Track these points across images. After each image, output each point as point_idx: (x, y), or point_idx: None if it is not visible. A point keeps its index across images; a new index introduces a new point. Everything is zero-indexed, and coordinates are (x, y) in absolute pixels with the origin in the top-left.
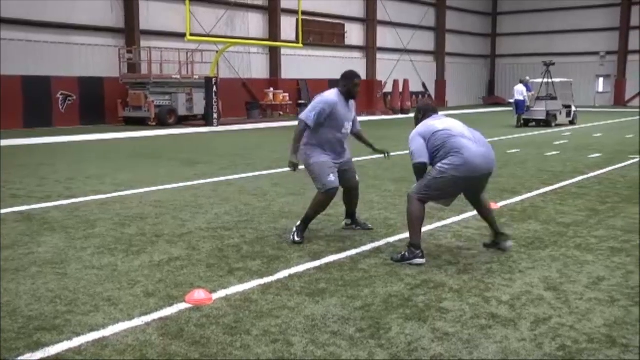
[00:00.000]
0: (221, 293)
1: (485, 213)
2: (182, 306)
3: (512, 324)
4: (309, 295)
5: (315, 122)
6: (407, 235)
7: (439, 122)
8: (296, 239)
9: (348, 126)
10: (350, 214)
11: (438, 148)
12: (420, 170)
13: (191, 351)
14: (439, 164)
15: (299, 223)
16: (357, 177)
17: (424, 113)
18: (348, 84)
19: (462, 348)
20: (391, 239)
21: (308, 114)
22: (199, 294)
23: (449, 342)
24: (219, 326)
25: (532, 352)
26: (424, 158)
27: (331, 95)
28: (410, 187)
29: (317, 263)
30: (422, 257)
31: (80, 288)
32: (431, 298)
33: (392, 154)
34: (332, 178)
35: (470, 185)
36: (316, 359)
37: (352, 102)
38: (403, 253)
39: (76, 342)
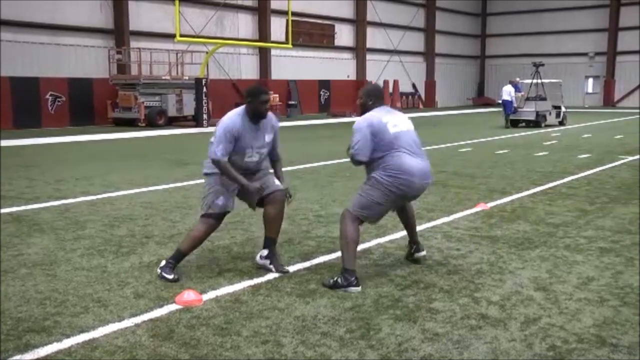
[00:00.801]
0: (211, 294)
1: (408, 219)
2: (172, 307)
3: (502, 325)
4: (299, 296)
5: (228, 153)
6: (399, 235)
7: (391, 122)
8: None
9: (255, 153)
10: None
11: (382, 155)
12: (356, 164)
13: (181, 352)
14: (380, 177)
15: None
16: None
17: (374, 100)
18: (253, 102)
19: (452, 348)
20: (381, 240)
21: (215, 150)
22: (189, 295)
23: (439, 342)
24: (209, 327)
25: (522, 353)
26: (365, 157)
27: (231, 117)
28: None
29: (307, 264)
30: (357, 284)
31: (70, 289)
32: (421, 298)
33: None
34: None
35: (404, 200)
36: (306, 359)
37: (267, 122)
38: (335, 279)
39: (66, 343)
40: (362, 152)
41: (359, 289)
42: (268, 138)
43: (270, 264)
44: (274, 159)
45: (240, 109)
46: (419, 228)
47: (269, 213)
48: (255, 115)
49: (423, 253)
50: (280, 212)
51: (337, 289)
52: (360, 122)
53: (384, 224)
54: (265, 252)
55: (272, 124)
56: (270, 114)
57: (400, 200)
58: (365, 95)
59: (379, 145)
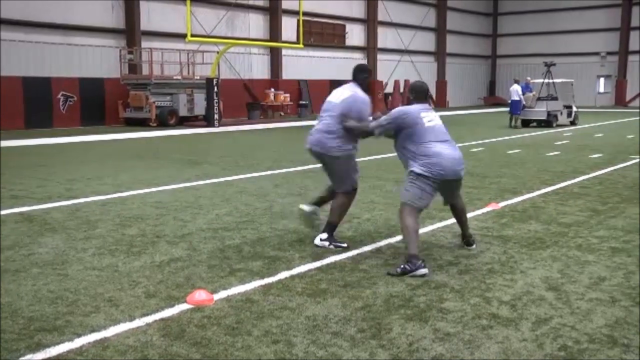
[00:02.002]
0: (222, 294)
1: (458, 216)
2: (183, 307)
3: (513, 324)
4: (310, 295)
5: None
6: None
7: (427, 118)
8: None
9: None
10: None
11: (416, 147)
12: (366, 133)
13: (192, 352)
14: (417, 169)
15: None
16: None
17: (415, 95)
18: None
19: (463, 348)
20: (392, 240)
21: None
22: (200, 295)
23: (450, 342)
24: (220, 327)
25: (533, 353)
26: (379, 134)
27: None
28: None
29: (318, 264)
30: (424, 266)
31: (81, 289)
32: (432, 298)
33: (392, 154)
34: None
35: (446, 186)
36: (317, 359)
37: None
38: (403, 266)
39: (77, 342)
40: (380, 129)
41: (426, 270)
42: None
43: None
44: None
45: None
46: (430, 227)
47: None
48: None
49: (473, 247)
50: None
51: (406, 274)
52: (399, 108)
53: (395, 224)
54: (325, 235)
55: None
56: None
57: (442, 185)
58: (410, 90)
59: (412, 137)
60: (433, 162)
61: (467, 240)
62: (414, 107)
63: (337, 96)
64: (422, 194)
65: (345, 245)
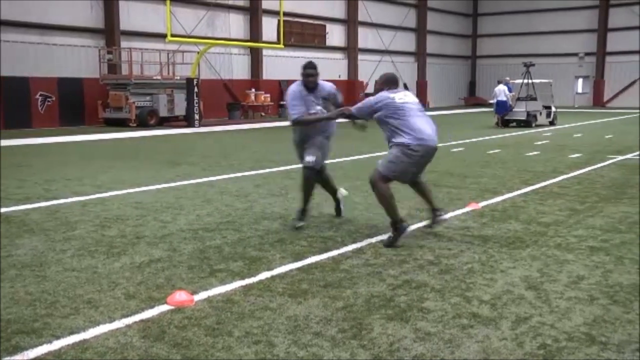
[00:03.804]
0: (203, 294)
1: (422, 189)
2: (163, 308)
3: (493, 324)
4: (291, 296)
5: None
6: (389, 234)
7: (398, 96)
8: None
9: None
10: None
11: (396, 120)
12: (350, 117)
13: (173, 353)
14: (400, 142)
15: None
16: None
17: (388, 86)
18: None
19: (443, 348)
20: (373, 240)
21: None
22: (181, 296)
23: (430, 342)
24: (200, 328)
25: (513, 351)
26: (357, 114)
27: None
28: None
29: (299, 264)
30: (406, 225)
31: (60, 290)
32: (413, 298)
33: (371, 155)
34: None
35: (424, 159)
36: (298, 359)
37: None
38: (390, 235)
39: (56, 345)
40: (358, 112)
41: (409, 226)
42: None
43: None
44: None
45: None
46: (411, 227)
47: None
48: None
49: (446, 217)
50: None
51: (397, 239)
52: (369, 97)
53: (376, 224)
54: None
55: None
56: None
57: (420, 160)
58: (380, 82)
59: (389, 114)
60: (417, 135)
61: (438, 211)
62: (383, 93)
63: None
64: (404, 168)
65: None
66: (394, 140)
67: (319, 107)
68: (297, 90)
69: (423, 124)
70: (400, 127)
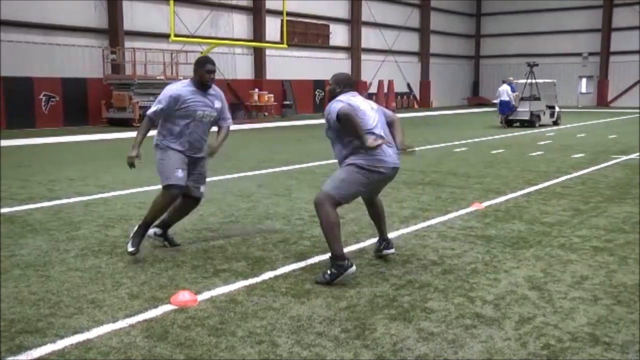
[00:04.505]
0: (206, 294)
1: (377, 213)
2: (166, 308)
3: (496, 324)
4: (295, 296)
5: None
6: (393, 235)
7: (362, 106)
8: (130, 249)
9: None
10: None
11: (351, 139)
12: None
13: (176, 353)
14: (360, 161)
15: (136, 228)
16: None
17: (342, 87)
18: (199, 71)
19: (447, 348)
20: (376, 240)
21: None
22: (184, 296)
23: (434, 342)
24: (204, 327)
25: (516, 352)
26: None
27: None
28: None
29: (302, 264)
30: (351, 265)
31: (64, 290)
32: (416, 298)
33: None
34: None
35: (378, 185)
36: (302, 359)
37: (214, 92)
38: (329, 272)
39: (60, 344)
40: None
41: (354, 268)
42: (217, 104)
43: (164, 240)
44: (221, 125)
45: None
46: (414, 227)
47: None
48: (201, 84)
49: (392, 251)
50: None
51: (334, 279)
52: (334, 105)
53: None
54: (159, 230)
55: (218, 94)
56: (214, 86)
57: (377, 183)
58: (334, 83)
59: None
60: (375, 157)
61: (385, 243)
62: (345, 97)
63: None
64: (354, 191)
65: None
66: (347, 157)
67: (214, 114)
68: (181, 88)
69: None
70: (359, 146)
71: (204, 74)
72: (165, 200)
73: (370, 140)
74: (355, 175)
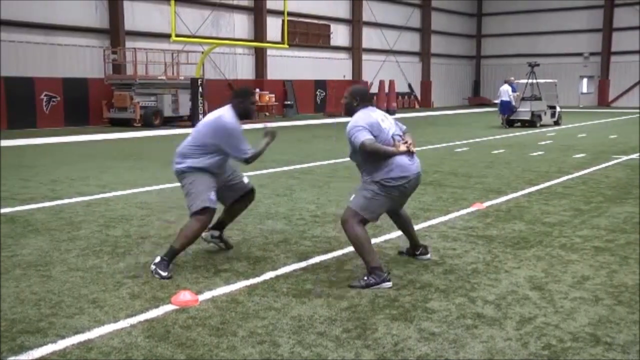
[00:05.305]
0: (207, 294)
1: (405, 224)
2: (168, 308)
3: (497, 324)
4: (295, 296)
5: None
6: (394, 235)
7: (383, 123)
8: (164, 273)
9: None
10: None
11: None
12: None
13: (177, 353)
14: (384, 180)
15: (158, 260)
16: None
17: (360, 100)
18: (245, 102)
19: (448, 348)
20: (377, 240)
21: (245, 150)
22: (185, 296)
23: (435, 342)
24: (205, 327)
25: (517, 352)
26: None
27: (232, 119)
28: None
29: (303, 264)
30: (389, 278)
31: (65, 290)
32: (417, 298)
33: None
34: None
35: (402, 200)
36: (303, 359)
37: None
38: (367, 279)
39: (61, 344)
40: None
41: (390, 284)
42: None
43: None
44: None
45: (227, 110)
46: (415, 227)
47: (241, 208)
48: (245, 115)
49: (429, 256)
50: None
51: (370, 287)
52: (359, 122)
53: (380, 224)
54: (217, 233)
55: None
56: None
57: (399, 199)
58: (350, 96)
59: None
60: (400, 174)
61: (422, 249)
62: (366, 114)
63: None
64: (378, 208)
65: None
66: (372, 174)
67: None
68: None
69: (408, 160)
70: (387, 163)
71: (250, 106)
72: (203, 225)
73: (401, 147)
74: (379, 194)
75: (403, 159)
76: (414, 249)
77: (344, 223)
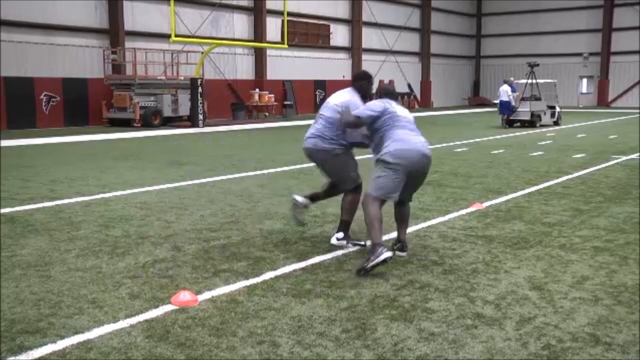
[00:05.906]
0: (207, 294)
1: (402, 216)
2: (167, 308)
3: (497, 324)
4: (295, 296)
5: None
6: (394, 235)
7: (392, 106)
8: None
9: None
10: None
11: (384, 131)
12: (352, 124)
13: (177, 353)
14: (387, 156)
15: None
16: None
17: (383, 95)
18: (369, 83)
19: (447, 348)
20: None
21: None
22: (185, 296)
23: (434, 342)
24: (204, 328)
25: (517, 352)
26: (366, 121)
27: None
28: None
29: (303, 264)
30: (387, 250)
31: (65, 290)
32: (417, 298)
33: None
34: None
35: (411, 181)
36: (302, 359)
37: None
38: (368, 257)
39: (60, 344)
40: (366, 121)
41: (390, 254)
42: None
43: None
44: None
45: (351, 91)
46: (415, 228)
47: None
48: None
49: (404, 254)
50: None
51: (373, 264)
52: (366, 104)
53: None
54: (341, 234)
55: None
56: None
57: (408, 174)
58: (376, 94)
59: (382, 122)
60: (402, 147)
61: (401, 245)
62: (378, 101)
63: (333, 99)
64: (390, 184)
65: (363, 243)
66: (376, 153)
67: None
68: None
69: (412, 136)
70: (390, 137)
71: (370, 88)
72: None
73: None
74: (385, 170)
75: (404, 135)
76: (395, 242)
77: (362, 205)
